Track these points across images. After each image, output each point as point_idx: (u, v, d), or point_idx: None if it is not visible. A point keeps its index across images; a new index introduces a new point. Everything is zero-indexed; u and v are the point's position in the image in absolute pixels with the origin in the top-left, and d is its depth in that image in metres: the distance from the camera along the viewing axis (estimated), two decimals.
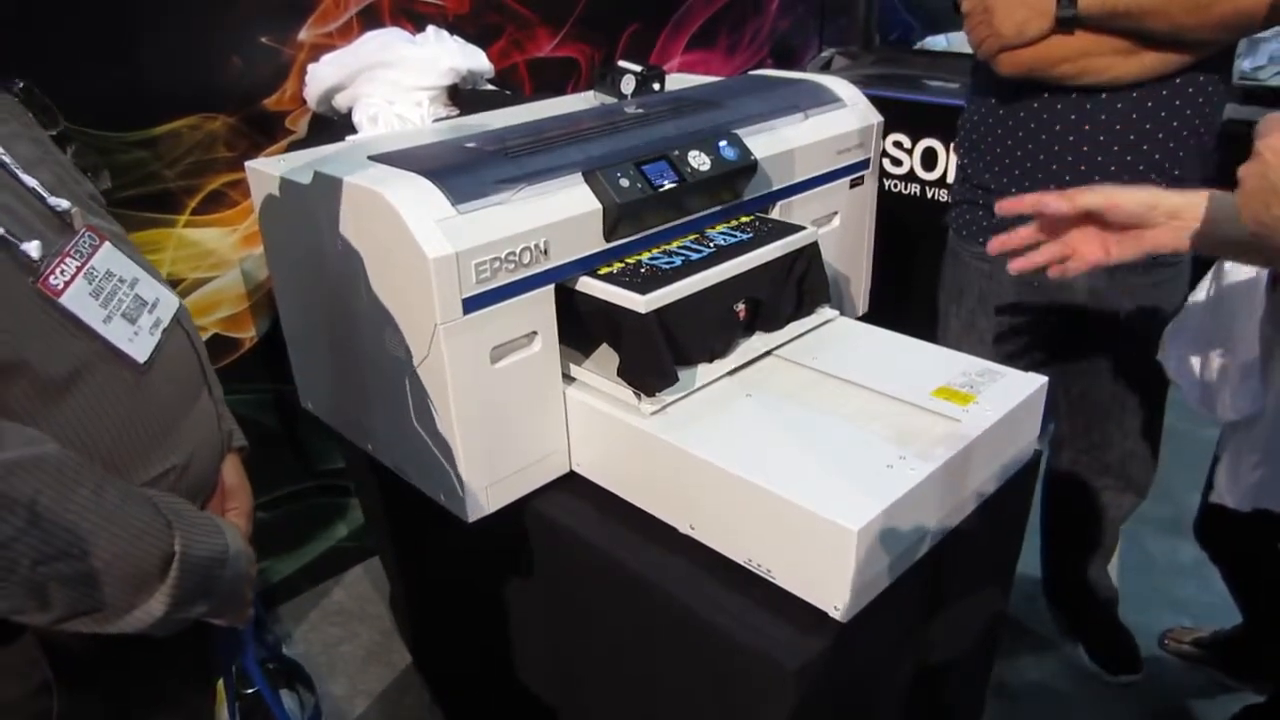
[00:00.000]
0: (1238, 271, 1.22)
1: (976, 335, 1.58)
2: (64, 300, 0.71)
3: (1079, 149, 1.37)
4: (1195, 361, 1.29)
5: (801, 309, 1.29)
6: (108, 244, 0.78)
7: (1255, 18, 1.21)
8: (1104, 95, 1.33)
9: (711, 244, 1.21)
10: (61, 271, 0.71)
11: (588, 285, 1.12)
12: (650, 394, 1.10)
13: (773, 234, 1.24)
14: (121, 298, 0.76)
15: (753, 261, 1.18)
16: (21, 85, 0.85)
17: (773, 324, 1.26)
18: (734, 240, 1.22)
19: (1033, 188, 1.41)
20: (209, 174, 1.76)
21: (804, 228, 1.26)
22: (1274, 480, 1.24)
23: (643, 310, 1.07)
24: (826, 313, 1.32)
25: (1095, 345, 1.54)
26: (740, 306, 1.21)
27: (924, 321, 1.65)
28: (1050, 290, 1.49)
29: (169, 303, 0.83)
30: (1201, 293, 1.30)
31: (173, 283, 1.76)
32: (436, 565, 1.59)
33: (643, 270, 1.13)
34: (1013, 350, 1.56)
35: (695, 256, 1.17)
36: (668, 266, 1.14)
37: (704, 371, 1.18)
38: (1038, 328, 1.54)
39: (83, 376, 0.72)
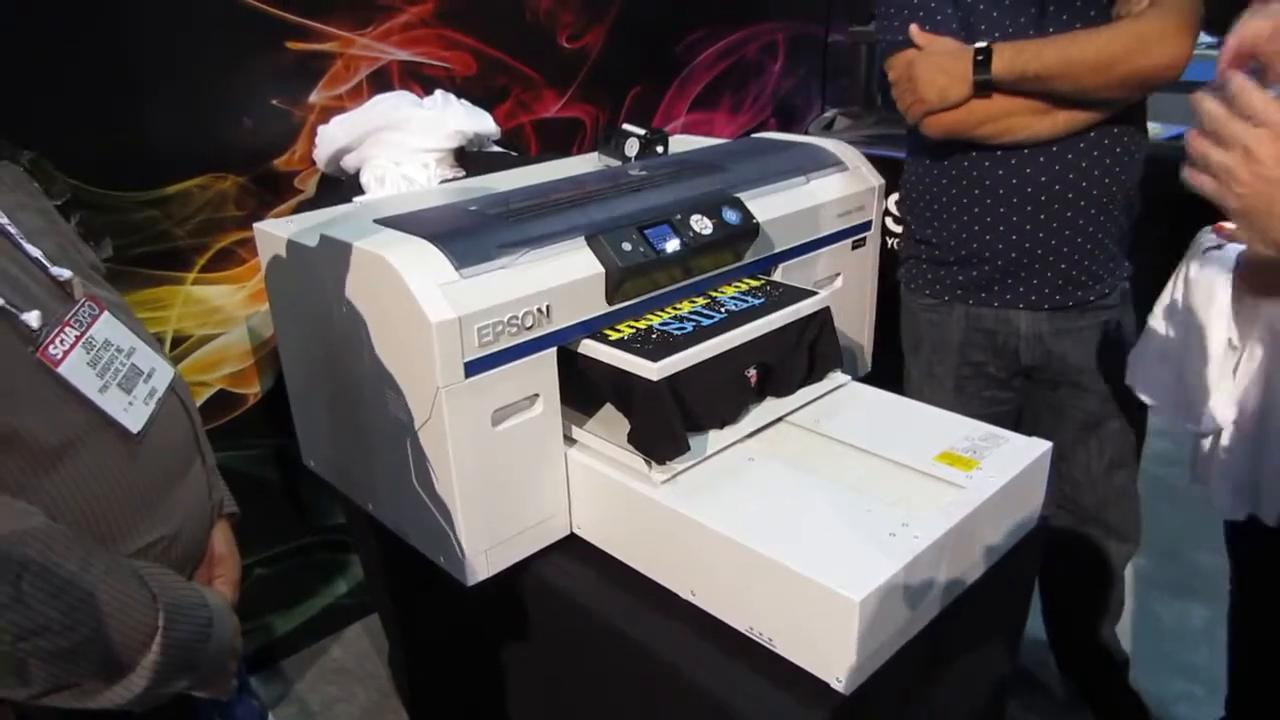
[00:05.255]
0: (1199, 280, 1.23)
1: (936, 382, 1.62)
2: (62, 370, 0.71)
3: (1008, 201, 1.44)
4: (1166, 377, 1.30)
5: (813, 374, 1.28)
6: (106, 313, 0.79)
7: (1155, 77, 1.31)
8: (1026, 151, 1.41)
9: (723, 309, 1.21)
10: (61, 341, 0.72)
11: (591, 349, 1.13)
12: (661, 462, 1.09)
13: (784, 299, 1.24)
14: (118, 367, 0.76)
15: (765, 327, 1.18)
16: (29, 155, 0.86)
17: (784, 390, 1.25)
18: (745, 305, 1.22)
19: (969, 240, 1.49)
20: (218, 232, 1.78)
21: (815, 293, 1.26)
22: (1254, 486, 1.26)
23: (654, 378, 1.06)
24: (838, 378, 1.31)
25: (1048, 390, 1.57)
26: (752, 372, 1.20)
27: None
28: (994, 336, 1.54)
29: (164, 372, 0.83)
30: (1160, 310, 1.32)
31: (179, 339, 1.78)
32: (436, 625, 1.57)
33: (654, 336, 1.13)
34: (971, 395, 1.59)
35: (706, 322, 1.17)
36: (679, 332, 1.14)
37: (714, 438, 1.17)
38: (990, 373, 1.58)
39: (75, 446, 0.72)
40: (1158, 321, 1.32)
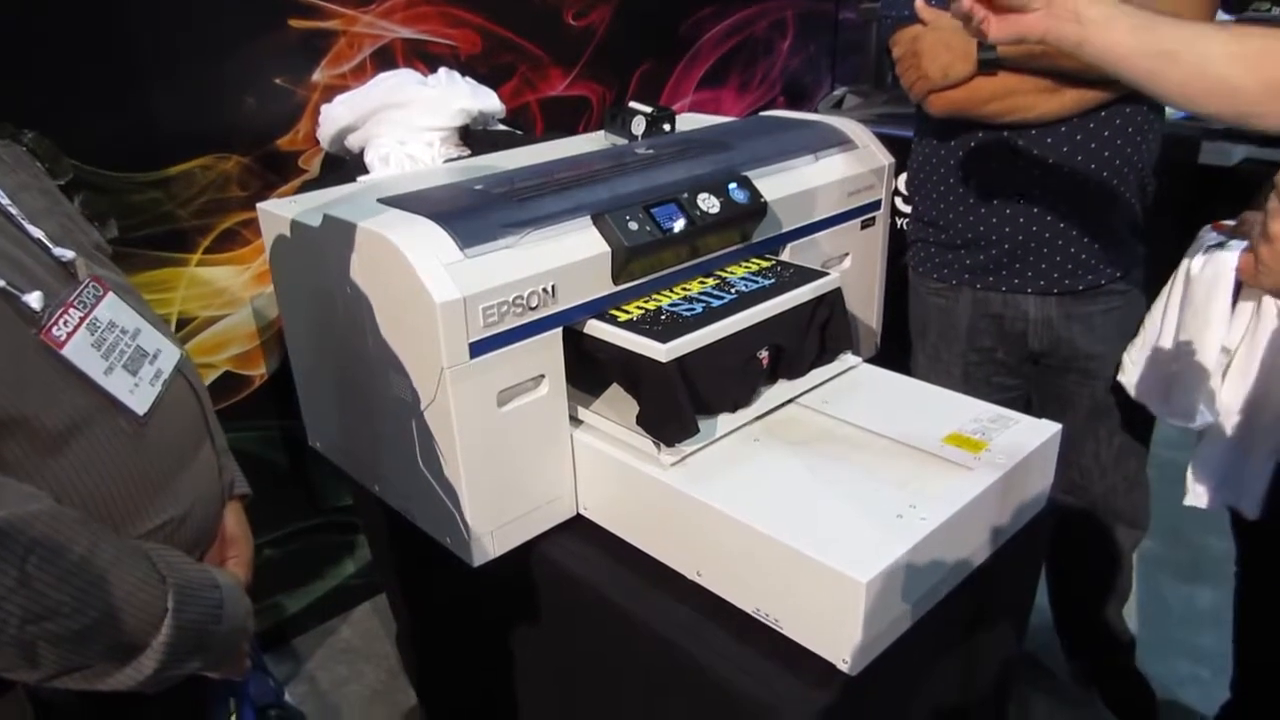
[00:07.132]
0: (1200, 279, 1.21)
1: (942, 367, 1.60)
2: (66, 352, 0.71)
3: (1015, 182, 1.41)
4: (1162, 373, 1.29)
5: (824, 356, 1.27)
6: (111, 294, 0.78)
7: None
8: (1033, 132, 1.38)
9: (733, 290, 1.20)
10: (64, 322, 0.71)
11: (598, 329, 1.12)
12: (671, 444, 1.09)
13: (795, 280, 1.22)
14: (123, 349, 0.76)
15: (776, 308, 1.17)
16: (31, 135, 0.86)
17: (795, 371, 1.24)
18: (756, 286, 1.21)
19: (976, 222, 1.47)
20: (222, 213, 1.78)
21: (827, 273, 1.24)
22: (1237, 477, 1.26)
23: (663, 359, 1.05)
24: (849, 359, 1.30)
25: (1056, 376, 1.55)
26: (762, 354, 1.19)
27: None
28: (1001, 321, 1.52)
29: (170, 353, 0.83)
30: (1158, 311, 1.30)
31: (184, 321, 1.78)
32: (443, 605, 1.57)
33: (663, 317, 1.12)
34: (978, 380, 1.57)
35: (716, 303, 1.16)
36: (688, 314, 1.13)
37: (725, 420, 1.16)
38: (998, 358, 1.57)
39: (81, 429, 0.72)
40: (1156, 318, 1.30)
